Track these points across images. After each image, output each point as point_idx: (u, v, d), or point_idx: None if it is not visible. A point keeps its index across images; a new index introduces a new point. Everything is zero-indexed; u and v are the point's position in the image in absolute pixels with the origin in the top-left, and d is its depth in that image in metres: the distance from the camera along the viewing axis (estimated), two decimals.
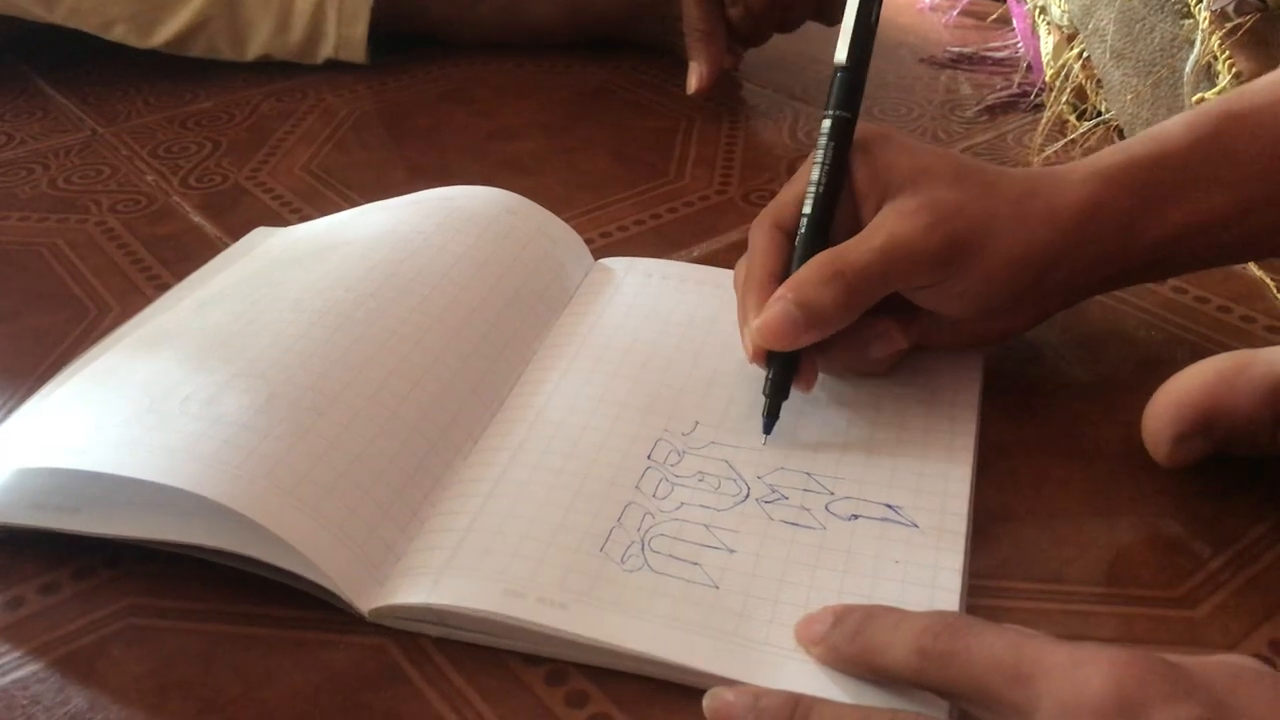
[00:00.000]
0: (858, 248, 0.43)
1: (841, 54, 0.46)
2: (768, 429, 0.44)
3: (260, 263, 0.53)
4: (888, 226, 0.43)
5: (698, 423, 0.45)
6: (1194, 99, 0.58)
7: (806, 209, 0.45)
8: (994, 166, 0.45)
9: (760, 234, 0.46)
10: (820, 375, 0.46)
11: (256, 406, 0.41)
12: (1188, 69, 0.57)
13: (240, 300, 0.48)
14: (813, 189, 0.45)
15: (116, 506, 0.39)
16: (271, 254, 0.54)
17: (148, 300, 0.55)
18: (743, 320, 0.45)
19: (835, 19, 0.75)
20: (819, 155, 0.45)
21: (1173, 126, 0.45)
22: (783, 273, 0.44)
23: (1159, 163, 0.44)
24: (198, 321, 0.47)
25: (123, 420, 0.40)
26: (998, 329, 0.47)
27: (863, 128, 0.46)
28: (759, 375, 0.45)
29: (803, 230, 0.44)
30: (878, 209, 0.44)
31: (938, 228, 0.42)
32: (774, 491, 0.42)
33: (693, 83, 0.74)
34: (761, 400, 0.44)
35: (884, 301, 0.44)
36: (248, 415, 0.40)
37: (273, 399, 0.41)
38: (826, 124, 0.45)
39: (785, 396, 0.44)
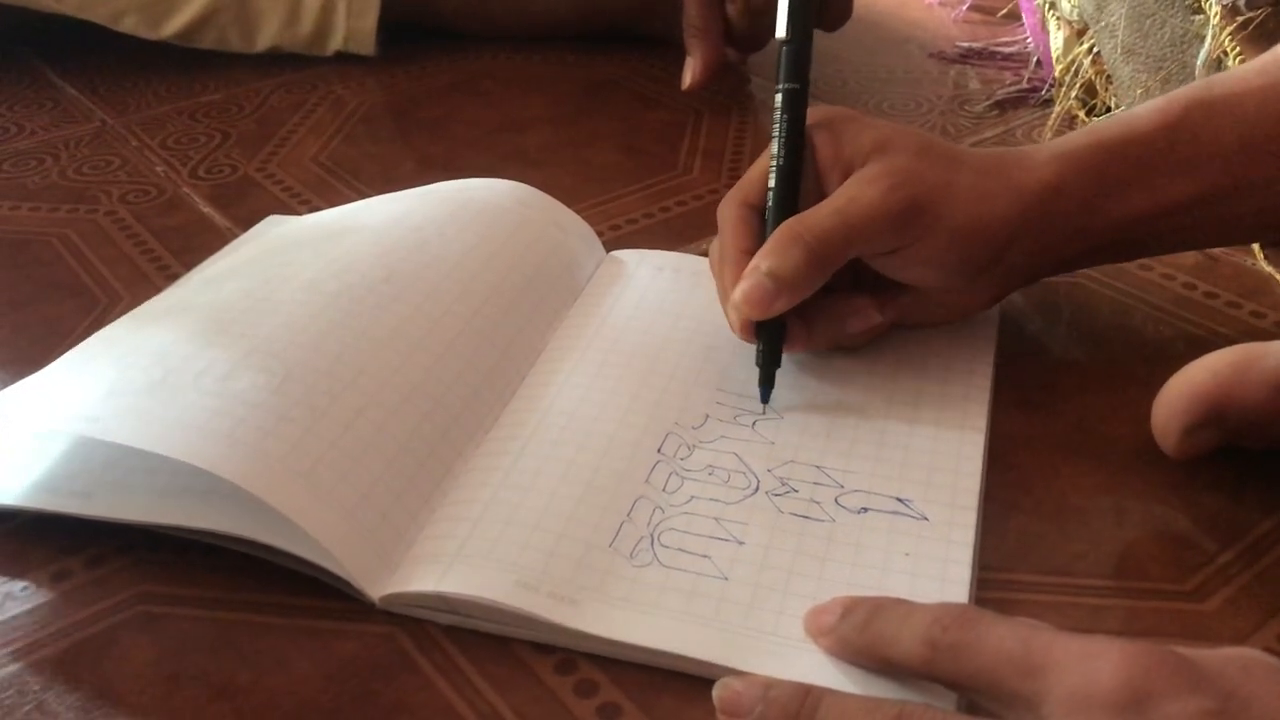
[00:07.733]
0: (818, 212, 0.43)
1: (782, 29, 0.46)
2: (765, 398, 0.45)
3: (272, 245, 0.53)
4: (848, 192, 0.44)
5: (708, 416, 0.45)
6: None
7: (771, 183, 0.45)
8: (960, 145, 0.46)
9: (729, 212, 0.47)
10: (827, 371, 0.46)
11: (271, 387, 0.40)
12: (1198, 64, 0.57)
13: (252, 278, 0.48)
14: (774, 163, 0.45)
15: (128, 491, 0.40)
16: (283, 239, 0.54)
17: (157, 290, 0.55)
18: (723, 298, 0.45)
19: (835, 25, 0.75)
20: (775, 129, 0.46)
21: (1142, 111, 0.45)
22: (755, 247, 0.45)
23: (1123, 146, 0.44)
24: (209, 296, 0.47)
25: (136, 390, 0.40)
26: (964, 302, 0.48)
27: (825, 107, 0.47)
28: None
29: (770, 204, 0.45)
30: (842, 182, 0.44)
31: (897, 190, 0.43)
32: (784, 484, 0.42)
33: (687, 78, 0.74)
34: (756, 373, 0.45)
35: (862, 281, 0.45)
36: (263, 395, 0.40)
37: (287, 380, 0.41)
38: (779, 99, 0.46)
39: (778, 364, 0.45)
